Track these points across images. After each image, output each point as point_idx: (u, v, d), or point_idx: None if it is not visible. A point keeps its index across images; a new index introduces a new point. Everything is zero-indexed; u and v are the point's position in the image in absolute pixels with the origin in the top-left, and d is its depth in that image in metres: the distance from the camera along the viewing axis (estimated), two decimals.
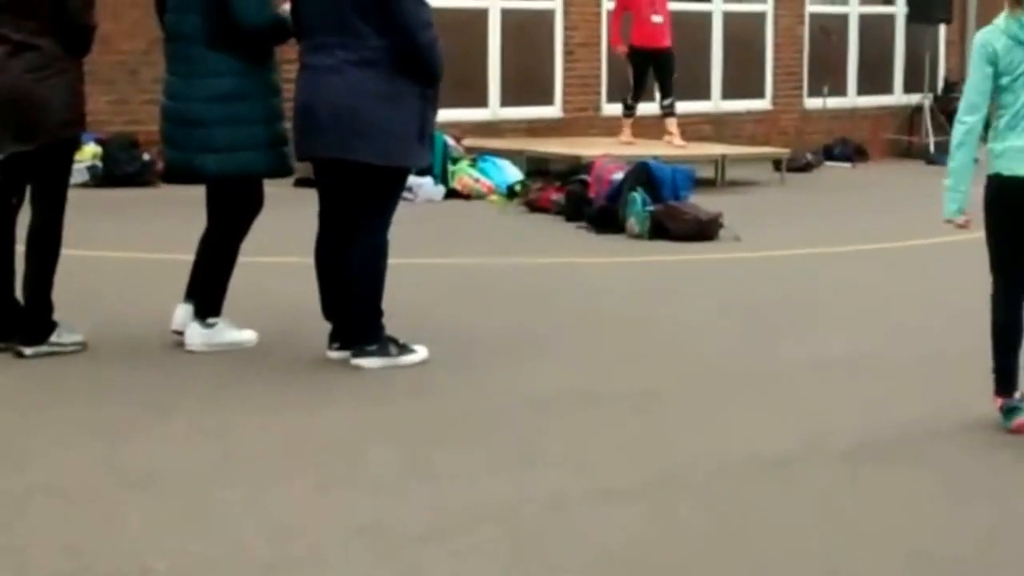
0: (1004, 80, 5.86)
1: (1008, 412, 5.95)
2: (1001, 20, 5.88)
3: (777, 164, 16.53)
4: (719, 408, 6.40)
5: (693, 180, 12.75)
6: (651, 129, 16.37)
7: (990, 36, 5.89)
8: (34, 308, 7.10)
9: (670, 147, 15.63)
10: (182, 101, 7.11)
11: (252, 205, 7.25)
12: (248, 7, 6.92)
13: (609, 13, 16.99)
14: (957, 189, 5.96)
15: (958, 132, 5.96)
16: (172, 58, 7.20)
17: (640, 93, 16.09)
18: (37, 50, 6.89)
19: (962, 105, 5.96)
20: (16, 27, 6.89)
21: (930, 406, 6.11)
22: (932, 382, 6.24)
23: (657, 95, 16.13)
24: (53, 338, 7.11)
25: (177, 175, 7.34)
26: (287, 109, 7.16)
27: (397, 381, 6.72)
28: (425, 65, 6.80)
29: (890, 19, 20.94)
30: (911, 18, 20.32)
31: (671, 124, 16.12)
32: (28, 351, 7.06)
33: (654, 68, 15.94)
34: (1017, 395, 5.98)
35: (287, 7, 7.05)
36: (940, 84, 21.11)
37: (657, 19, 15.79)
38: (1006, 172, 5.84)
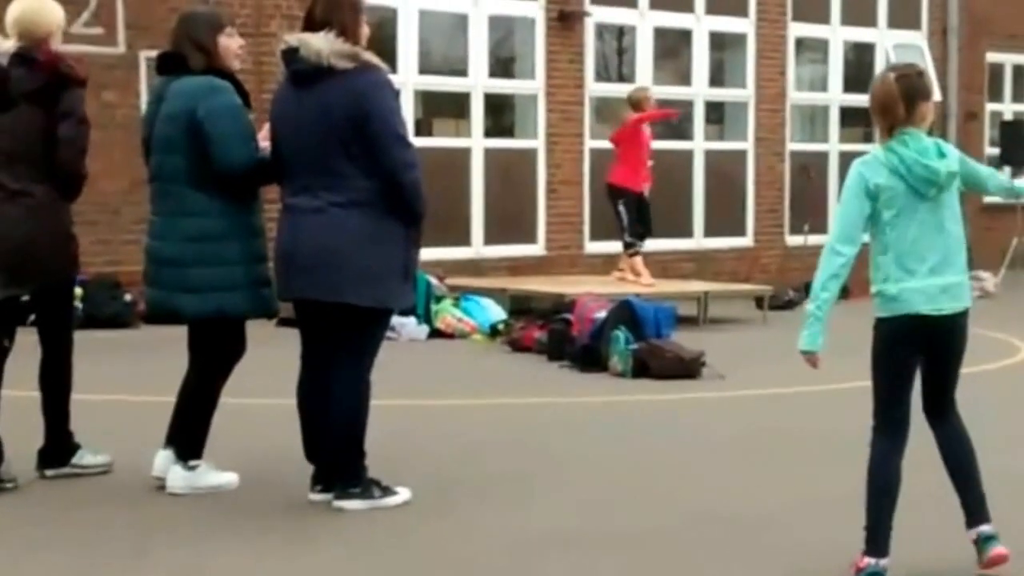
0: (886, 215, 5.63)
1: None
2: (880, 151, 5.66)
3: (759, 301, 16.57)
4: (705, 551, 6.32)
5: (675, 318, 12.78)
6: (603, 267, 16.33)
7: (867, 169, 5.65)
8: (52, 433, 7.42)
9: (625, 283, 15.61)
10: (162, 240, 7.14)
11: (234, 349, 7.23)
12: (229, 149, 6.94)
13: (592, 151, 17.14)
14: (823, 320, 5.75)
15: (834, 264, 5.67)
16: (155, 198, 7.23)
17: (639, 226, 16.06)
18: (31, 196, 7.18)
19: (837, 235, 5.69)
20: (13, 174, 7.18)
21: (908, 548, 6.03)
22: (923, 521, 6.18)
23: (626, 231, 16.00)
24: (75, 460, 7.45)
25: (156, 315, 7.35)
26: (270, 250, 7.15)
27: (380, 524, 6.66)
28: (409, 205, 6.81)
29: None
30: None
31: (627, 263, 16.13)
32: (50, 472, 7.40)
33: (640, 210, 15.95)
34: (885, 561, 5.62)
35: (267, 145, 7.08)
36: None
37: (650, 163, 15.94)
38: (911, 311, 5.62)
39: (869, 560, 5.62)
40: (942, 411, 5.84)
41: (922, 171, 5.57)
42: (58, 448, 7.44)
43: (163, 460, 7.24)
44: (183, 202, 7.05)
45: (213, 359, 7.20)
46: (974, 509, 5.75)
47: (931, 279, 5.64)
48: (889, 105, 5.60)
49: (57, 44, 7.37)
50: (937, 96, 21.19)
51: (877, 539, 5.63)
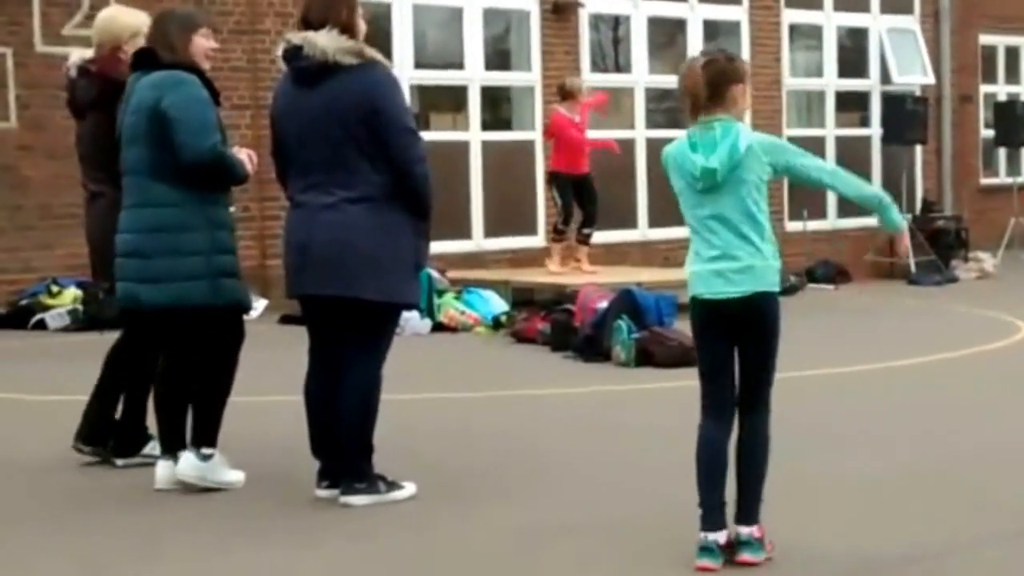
0: (680, 201, 5.89)
1: (702, 550, 5.75)
2: (684, 136, 5.85)
3: None
4: None
5: (677, 306, 12.79)
6: (605, 256, 16.30)
7: (668, 155, 5.89)
8: (125, 423, 7.72)
9: (579, 273, 15.62)
10: (127, 232, 7.20)
11: (236, 336, 7.25)
12: (193, 138, 6.95)
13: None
14: None
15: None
16: (124, 191, 7.30)
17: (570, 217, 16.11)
18: (104, 197, 7.63)
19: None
20: (93, 178, 7.79)
21: (901, 526, 6.06)
22: (912, 502, 6.21)
23: (559, 217, 16.07)
24: (146, 450, 7.69)
25: (124, 306, 7.37)
26: (271, 247, 7.16)
27: (387, 519, 6.69)
28: (420, 198, 6.84)
29: (866, 141, 21.16)
30: (886, 139, 20.55)
31: (583, 252, 16.15)
32: (120, 462, 7.67)
33: (581, 193, 15.97)
34: (721, 534, 5.77)
35: (243, 155, 7.13)
36: (918, 204, 21.29)
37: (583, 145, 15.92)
38: (695, 294, 5.84)
39: (706, 535, 5.75)
40: (748, 408, 5.94)
41: (687, 165, 5.77)
42: (130, 437, 7.68)
43: (164, 470, 7.24)
44: (146, 193, 7.10)
45: (193, 350, 7.18)
46: (747, 510, 5.87)
47: (709, 264, 5.79)
48: (693, 90, 5.73)
49: (133, 49, 7.60)
50: (929, 79, 21.35)
51: (710, 515, 5.78)
